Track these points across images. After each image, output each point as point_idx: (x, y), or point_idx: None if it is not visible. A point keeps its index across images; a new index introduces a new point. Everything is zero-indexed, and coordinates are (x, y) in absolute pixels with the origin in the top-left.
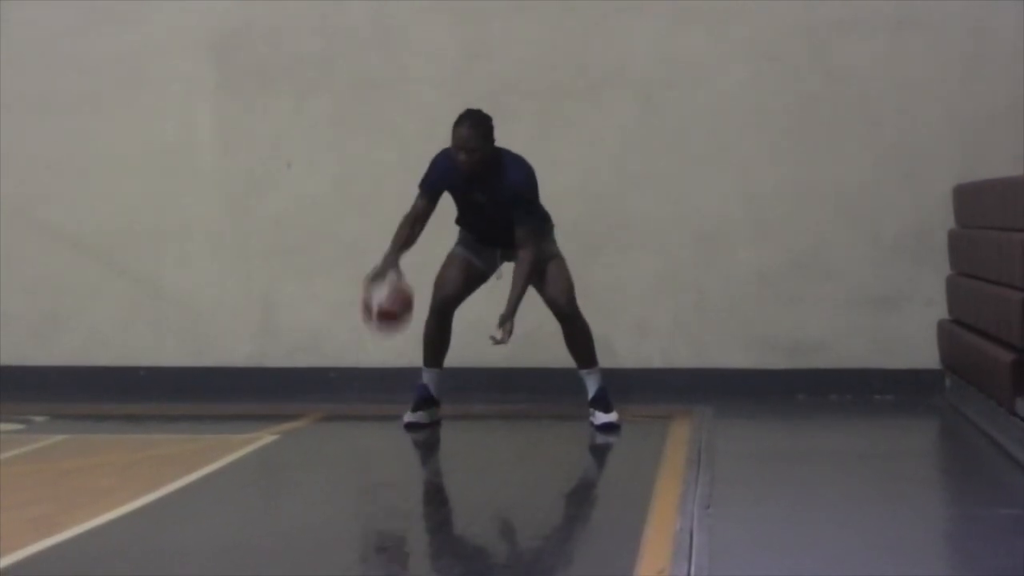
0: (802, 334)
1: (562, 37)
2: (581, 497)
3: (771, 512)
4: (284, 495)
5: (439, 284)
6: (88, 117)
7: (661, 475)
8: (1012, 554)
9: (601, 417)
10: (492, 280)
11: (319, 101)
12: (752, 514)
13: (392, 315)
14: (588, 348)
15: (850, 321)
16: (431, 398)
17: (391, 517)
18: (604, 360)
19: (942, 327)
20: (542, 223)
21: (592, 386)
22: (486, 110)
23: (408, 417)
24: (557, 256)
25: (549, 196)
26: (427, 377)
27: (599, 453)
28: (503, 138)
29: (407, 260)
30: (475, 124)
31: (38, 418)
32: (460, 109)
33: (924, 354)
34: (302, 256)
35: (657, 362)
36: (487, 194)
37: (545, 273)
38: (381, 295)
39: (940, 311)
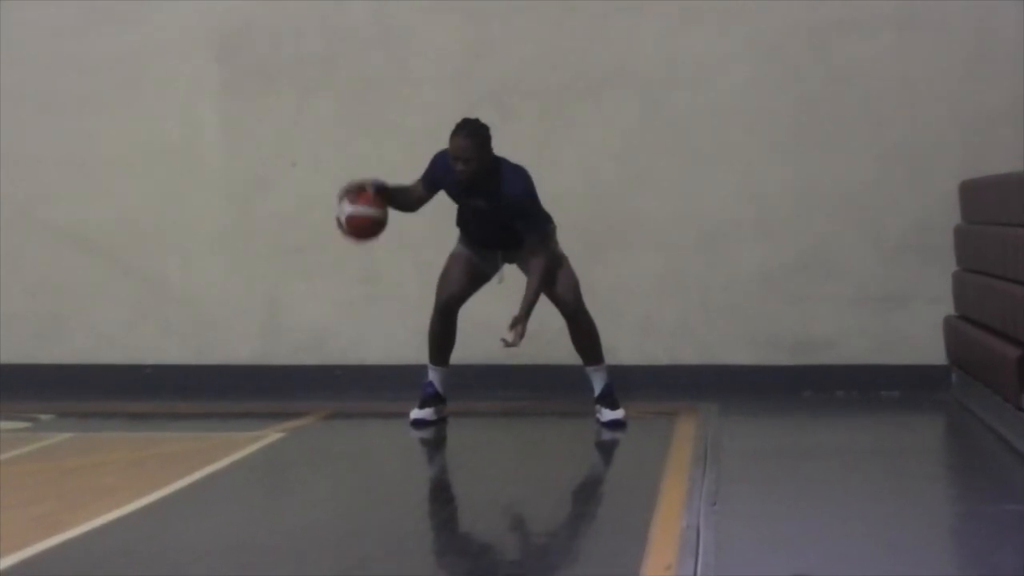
0: (808, 331)
1: (564, 37)
2: (587, 494)
3: (777, 508)
4: (289, 493)
5: (443, 284)
6: (90, 117)
7: (667, 472)
8: (1018, 550)
9: (607, 414)
10: (494, 282)
11: (321, 101)
12: (758, 510)
13: (360, 217)
14: (594, 345)
15: (856, 318)
16: (437, 395)
17: (397, 514)
18: (609, 358)
19: (948, 323)
20: (546, 225)
21: (598, 383)
22: (488, 110)
23: (415, 414)
24: (560, 256)
25: (551, 196)
26: (433, 375)
27: (605, 450)
28: (505, 138)
29: (408, 261)
30: (471, 134)
31: (43, 416)
32: (462, 108)
33: (930, 350)
34: (307, 255)
35: (662, 360)
36: (485, 200)
37: (551, 273)
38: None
39: (946, 307)
